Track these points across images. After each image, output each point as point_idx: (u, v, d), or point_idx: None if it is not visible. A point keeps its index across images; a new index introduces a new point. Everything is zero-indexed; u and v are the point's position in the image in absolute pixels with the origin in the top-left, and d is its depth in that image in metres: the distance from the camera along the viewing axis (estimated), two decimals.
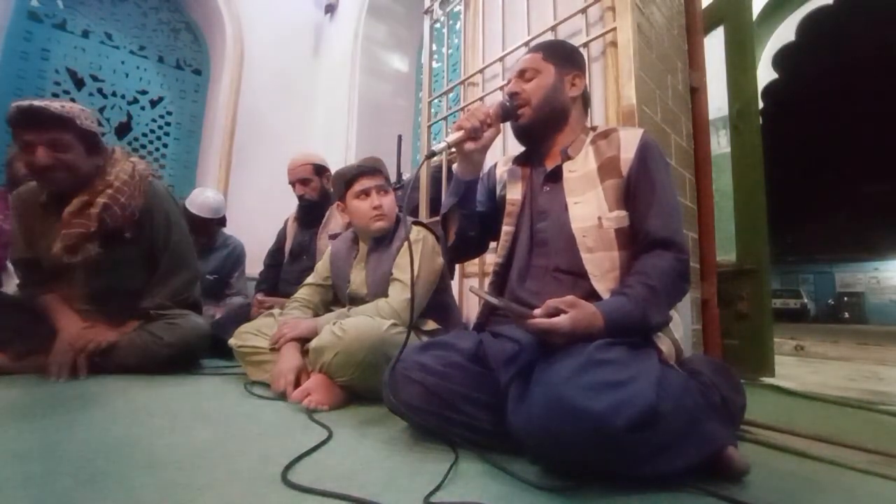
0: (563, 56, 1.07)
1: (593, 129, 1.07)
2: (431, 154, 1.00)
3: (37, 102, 1.30)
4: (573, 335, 0.76)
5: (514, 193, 1.07)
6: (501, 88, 1.93)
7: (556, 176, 1.02)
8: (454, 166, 2.31)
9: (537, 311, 0.78)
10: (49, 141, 1.32)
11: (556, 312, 0.78)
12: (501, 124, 1.04)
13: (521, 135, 1.08)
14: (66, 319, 1.49)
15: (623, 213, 0.93)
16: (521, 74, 1.05)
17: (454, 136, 0.98)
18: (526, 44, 1.81)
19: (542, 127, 1.04)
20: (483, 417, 0.85)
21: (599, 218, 0.92)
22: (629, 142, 0.96)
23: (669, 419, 0.67)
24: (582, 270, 0.92)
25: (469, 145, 0.99)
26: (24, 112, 1.27)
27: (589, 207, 0.94)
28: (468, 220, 1.07)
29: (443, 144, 0.97)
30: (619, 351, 0.75)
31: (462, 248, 1.12)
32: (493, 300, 0.83)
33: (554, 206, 1.00)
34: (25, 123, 1.29)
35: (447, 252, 1.14)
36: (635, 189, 0.93)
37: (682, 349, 0.90)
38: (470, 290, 0.95)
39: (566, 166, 1.00)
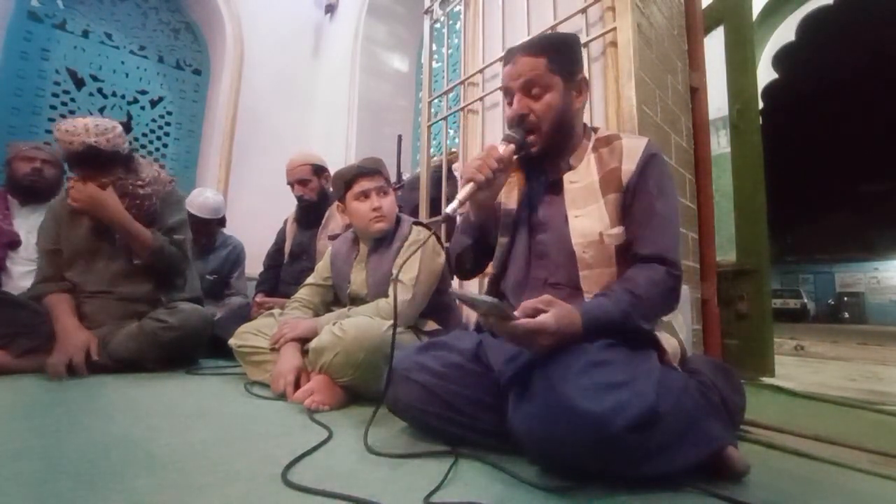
0: (568, 59, 0.96)
1: (594, 129, 1.02)
2: (446, 217, 0.89)
3: (89, 140, 1.51)
4: (558, 333, 0.74)
5: (510, 203, 1.03)
6: (501, 88, 1.92)
7: (556, 187, 0.97)
8: (454, 166, 2.31)
9: (515, 313, 0.75)
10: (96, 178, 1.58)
11: (535, 313, 0.75)
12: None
13: (526, 162, 1.00)
14: (66, 322, 1.52)
15: (623, 228, 0.89)
16: (527, 90, 0.93)
17: (465, 192, 0.89)
18: None
19: (550, 150, 0.96)
20: (483, 418, 0.85)
21: (601, 233, 0.88)
22: (631, 152, 0.92)
23: (669, 420, 0.67)
24: (580, 286, 0.89)
25: (482, 194, 0.92)
26: (80, 156, 1.54)
27: (590, 221, 0.90)
28: (484, 254, 1.04)
29: (455, 204, 0.88)
30: (620, 351, 0.75)
31: (475, 272, 1.10)
32: (476, 299, 0.77)
33: (554, 217, 0.95)
34: (78, 164, 1.57)
35: (458, 275, 1.13)
36: (632, 203, 0.89)
37: (686, 350, 0.90)
38: (450, 292, 0.91)
39: (567, 177, 0.95)
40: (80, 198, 1.55)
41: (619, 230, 0.88)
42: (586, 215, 0.91)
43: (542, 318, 0.74)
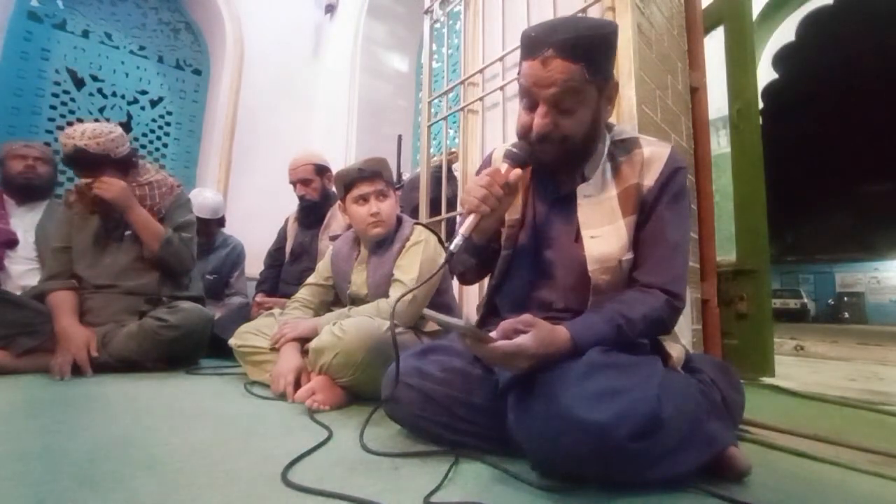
0: (607, 65, 0.82)
1: (607, 127, 0.90)
2: (451, 255, 0.83)
3: (80, 143, 1.59)
4: (538, 355, 0.71)
5: (513, 211, 0.93)
6: (502, 88, 1.92)
7: (567, 199, 0.88)
8: (454, 166, 2.30)
9: (493, 335, 0.72)
10: (94, 178, 1.65)
11: (514, 334, 0.72)
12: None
13: (537, 167, 0.90)
14: (66, 322, 1.53)
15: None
16: (556, 102, 0.78)
17: (468, 224, 0.81)
18: None
19: (566, 161, 0.86)
20: (483, 422, 0.84)
21: (620, 261, 0.81)
22: (653, 165, 0.83)
23: (672, 424, 0.66)
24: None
25: (487, 221, 0.85)
26: (71, 157, 1.63)
27: (608, 244, 0.82)
28: (488, 266, 0.99)
29: (458, 239, 0.81)
30: (621, 355, 0.73)
31: (477, 281, 1.08)
32: (450, 322, 0.72)
33: (563, 234, 0.87)
34: (72, 166, 1.68)
35: (460, 283, 1.11)
36: (644, 224, 0.83)
37: (690, 353, 0.90)
38: (423, 313, 0.85)
39: (580, 190, 0.86)
40: (107, 188, 1.62)
41: (632, 255, 0.83)
42: (604, 237, 0.82)
43: (520, 339, 0.71)
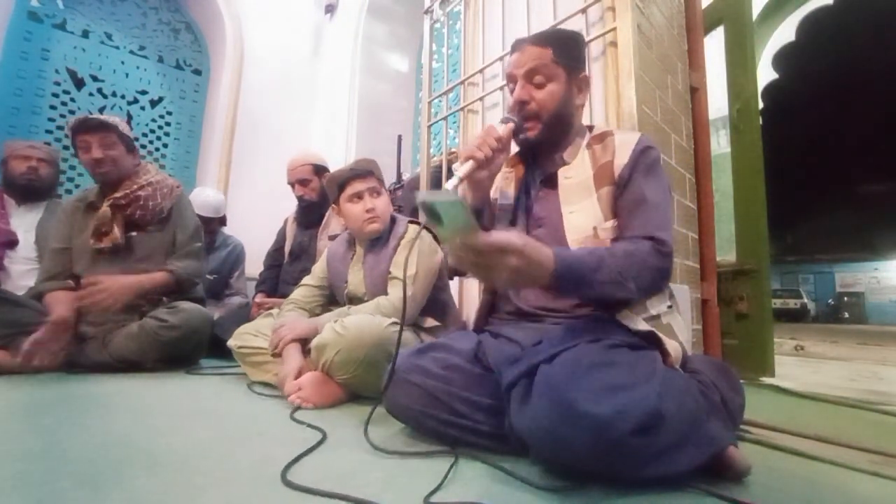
0: (573, 55, 0.98)
1: (589, 128, 1.04)
2: (453, 189, 0.91)
3: (90, 115, 1.66)
4: (525, 254, 0.71)
5: (507, 197, 1.04)
6: (502, 88, 1.93)
7: (551, 182, 0.99)
8: (454, 166, 2.31)
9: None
10: (99, 140, 1.66)
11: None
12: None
13: (524, 148, 1.04)
14: (60, 310, 1.53)
15: (616, 221, 0.91)
16: (531, 78, 0.96)
17: (466, 169, 0.89)
18: None
19: (548, 141, 0.99)
20: (482, 420, 0.85)
21: (595, 228, 0.90)
22: (624, 147, 0.93)
23: (673, 422, 0.66)
24: None
25: (481, 173, 0.93)
26: (82, 121, 1.66)
27: (584, 217, 0.92)
28: None
29: (455, 180, 0.87)
30: (623, 353, 0.74)
31: None
32: (434, 200, 0.67)
33: (550, 213, 0.97)
34: (82, 128, 1.65)
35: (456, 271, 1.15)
36: (623, 196, 0.90)
37: (688, 352, 0.90)
38: (416, 194, 0.86)
39: (561, 172, 0.98)
40: (103, 296, 1.56)
41: (612, 224, 0.90)
42: (580, 211, 0.92)
43: (507, 234, 0.72)
